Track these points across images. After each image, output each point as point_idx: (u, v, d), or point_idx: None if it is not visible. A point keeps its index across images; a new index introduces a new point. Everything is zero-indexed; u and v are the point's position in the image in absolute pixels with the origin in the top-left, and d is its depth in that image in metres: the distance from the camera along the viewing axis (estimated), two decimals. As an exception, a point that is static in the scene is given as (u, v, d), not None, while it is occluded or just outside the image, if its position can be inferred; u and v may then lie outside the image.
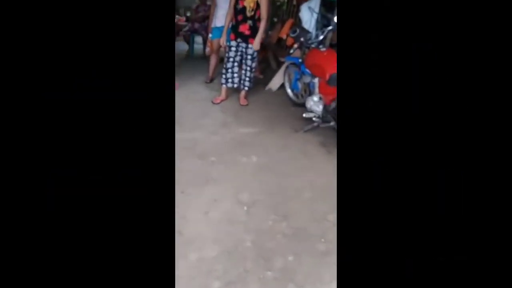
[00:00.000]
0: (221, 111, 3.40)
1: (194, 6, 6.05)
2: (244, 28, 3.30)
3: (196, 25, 5.67)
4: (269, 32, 4.63)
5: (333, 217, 1.83)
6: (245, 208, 1.87)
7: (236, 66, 3.49)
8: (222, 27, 3.57)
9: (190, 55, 5.97)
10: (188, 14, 6.15)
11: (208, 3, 4.84)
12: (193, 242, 1.57)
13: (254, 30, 3.31)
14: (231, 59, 3.46)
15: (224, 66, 3.52)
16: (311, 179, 2.20)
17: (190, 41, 6.02)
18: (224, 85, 3.59)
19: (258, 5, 3.23)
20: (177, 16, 6.33)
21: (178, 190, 1.97)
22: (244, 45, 3.38)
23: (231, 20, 3.36)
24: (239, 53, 3.44)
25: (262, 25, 3.30)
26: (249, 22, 3.28)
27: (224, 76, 3.54)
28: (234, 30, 3.35)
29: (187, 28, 5.88)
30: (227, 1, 3.50)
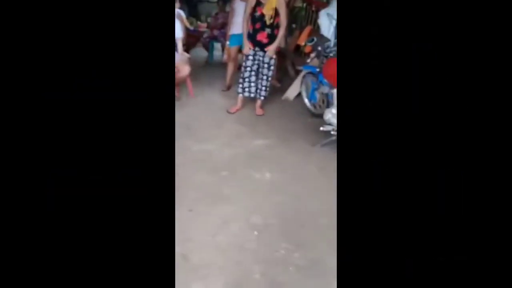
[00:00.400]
0: (236, 121, 3.30)
1: (214, 13, 6.03)
2: (262, 36, 3.22)
3: (216, 32, 5.62)
4: (288, 39, 4.50)
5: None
6: (256, 233, 1.73)
7: (254, 75, 3.40)
8: (240, 34, 3.50)
9: (209, 62, 5.94)
10: (209, 20, 6.10)
11: (228, 9, 4.79)
12: (198, 270, 1.46)
13: (272, 38, 3.22)
14: (248, 69, 3.37)
15: (241, 75, 3.44)
16: (328, 203, 2.00)
17: (209, 48, 6.00)
18: (240, 95, 3.51)
19: (277, 13, 3.13)
20: (198, 23, 6.32)
21: (186, 207, 1.87)
22: (261, 53, 3.29)
23: (248, 28, 3.28)
24: (256, 62, 3.35)
25: (280, 32, 3.21)
26: (268, 30, 3.19)
27: (241, 85, 3.45)
28: (252, 38, 3.26)
29: (206, 35, 5.85)
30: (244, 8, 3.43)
